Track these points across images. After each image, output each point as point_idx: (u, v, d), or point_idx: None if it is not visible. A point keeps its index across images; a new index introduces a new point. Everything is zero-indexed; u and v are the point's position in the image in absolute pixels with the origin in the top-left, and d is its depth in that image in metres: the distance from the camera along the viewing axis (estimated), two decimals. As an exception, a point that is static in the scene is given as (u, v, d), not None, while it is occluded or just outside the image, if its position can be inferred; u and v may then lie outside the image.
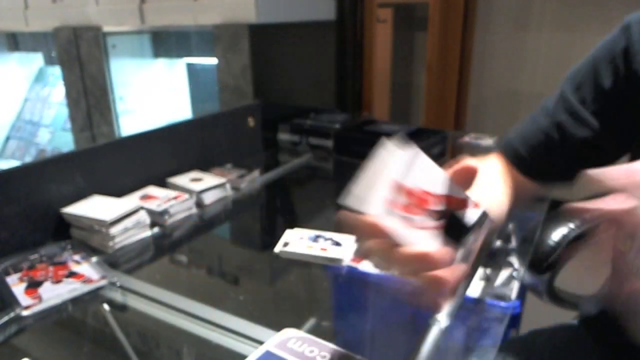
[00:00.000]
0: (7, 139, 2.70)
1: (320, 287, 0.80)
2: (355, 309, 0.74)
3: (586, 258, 0.38)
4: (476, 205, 0.38)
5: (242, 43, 1.37)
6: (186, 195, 0.96)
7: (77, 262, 0.77)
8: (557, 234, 0.83)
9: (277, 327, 0.57)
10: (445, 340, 0.53)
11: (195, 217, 0.98)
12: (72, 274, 0.73)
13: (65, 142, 2.41)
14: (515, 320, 0.92)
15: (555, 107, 0.64)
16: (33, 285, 0.70)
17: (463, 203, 0.38)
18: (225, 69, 1.45)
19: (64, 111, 2.35)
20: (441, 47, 1.73)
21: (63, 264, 0.76)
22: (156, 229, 0.91)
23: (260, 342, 0.57)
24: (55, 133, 2.50)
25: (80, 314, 0.69)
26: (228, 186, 1.06)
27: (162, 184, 1.04)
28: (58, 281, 0.71)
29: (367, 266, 0.77)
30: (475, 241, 0.39)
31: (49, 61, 2.55)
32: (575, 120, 0.62)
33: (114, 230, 0.82)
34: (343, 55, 1.73)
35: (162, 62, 2.02)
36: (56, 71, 2.43)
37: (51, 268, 0.75)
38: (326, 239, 0.82)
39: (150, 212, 0.90)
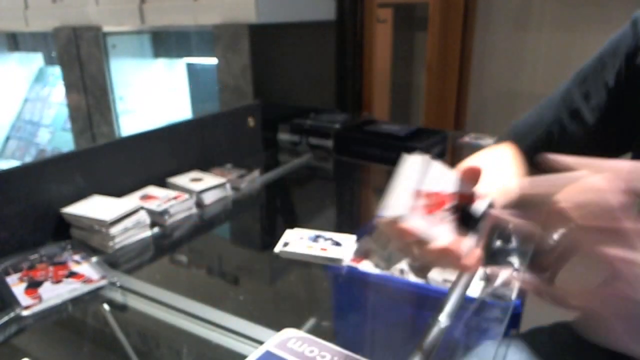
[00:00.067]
0: (7, 139, 2.70)
1: (320, 287, 0.80)
2: (355, 309, 0.74)
3: (586, 257, 0.39)
4: (483, 196, 0.44)
5: (242, 43, 1.37)
6: (186, 195, 0.96)
7: (77, 262, 0.77)
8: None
9: (277, 327, 0.57)
10: (445, 340, 0.53)
11: (195, 217, 0.98)
12: (72, 274, 0.73)
13: (65, 142, 2.41)
14: (515, 320, 0.92)
15: (560, 100, 0.64)
16: (33, 285, 0.70)
17: (471, 197, 0.44)
18: (225, 69, 1.45)
19: (64, 111, 2.35)
20: (441, 47, 1.73)
21: (63, 264, 0.76)
22: (156, 229, 0.91)
23: (260, 342, 0.57)
24: (55, 133, 2.50)
25: (80, 314, 0.69)
26: (228, 186, 1.06)
27: (162, 184, 1.04)
28: (58, 281, 0.71)
29: (367, 266, 0.77)
30: (485, 226, 0.45)
31: (49, 61, 2.55)
32: (573, 117, 0.62)
33: (114, 230, 0.82)
34: (343, 55, 1.73)
35: (162, 62, 2.02)
36: (56, 71, 2.43)
37: (51, 268, 0.75)
38: (326, 239, 0.82)
39: (150, 212, 0.90)
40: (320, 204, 1.13)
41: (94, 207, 0.86)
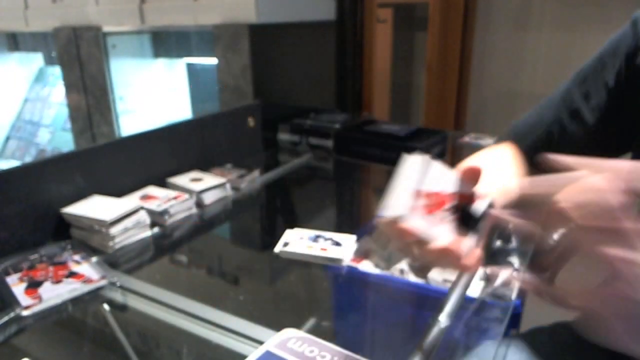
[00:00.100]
0: (7, 139, 2.70)
1: (320, 287, 0.80)
2: (355, 309, 0.74)
3: (586, 257, 0.40)
4: (483, 196, 0.45)
5: (242, 43, 1.37)
6: (186, 195, 0.96)
7: (77, 262, 0.77)
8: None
9: (277, 327, 0.57)
10: (445, 340, 0.53)
11: (195, 217, 0.98)
12: (72, 274, 0.73)
13: (65, 142, 2.41)
14: (515, 320, 0.92)
15: (560, 100, 0.65)
16: (33, 285, 0.70)
17: (471, 197, 0.44)
18: (225, 69, 1.45)
19: (64, 111, 2.35)
20: (441, 47, 1.73)
21: (63, 264, 0.76)
22: (156, 229, 0.91)
23: (260, 342, 0.57)
24: (55, 133, 2.50)
25: (80, 314, 0.69)
26: (228, 186, 1.06)
27: (162, 184, 1.04)
28: (58, 281, 0.71)
29: (367, 266, 0.77)
30: (485, 226, 0.45)
31: (49, 61, 2.55)
32: (573, 117, 0.62)
33: (114, 230, 0.82)
34: (343, 55, 1.73)
35: (162, 62, 2.02)
36: (56, 71, 2.43)
37: (51, 268, 0.75)
38: (326, 239, 0.82)
39: (150, 212, 0.90)
40: (320, 204, 1.13)
41: (94, 207, 0.86)
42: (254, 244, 1.01)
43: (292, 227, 0.87)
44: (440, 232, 0.43)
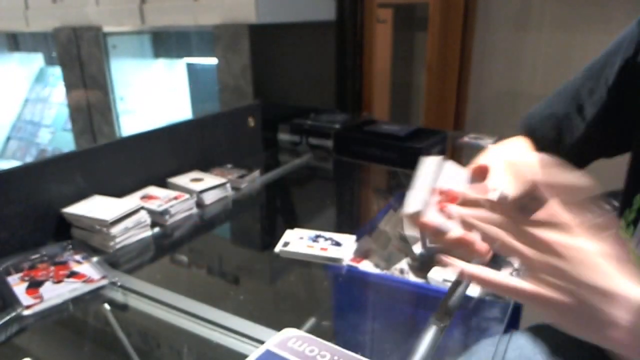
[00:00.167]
0: (8, 139, 2.70)
1: (320, 287, 0.81)
2: (355, 309, 0.74)
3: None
4: (494, 189, 0.49)
5: (242, 43, 1.38)
6: (186, 195, 0.97)
7: (78, 262, 0.77)
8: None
9: (277, 326, 0.57)
10: (445, 339, 0.53)
11: (195, 217, 0.98)
12: (73, 274, 0.74)
13: (66, 142, 2.41)
14: (515, 319, 0.92)
15: (571, 94, 0.66)
16: (34, 285, 0.70)
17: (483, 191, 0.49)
18: (225, 69, 1.45)
19: (65, 111, 2.36)
20: (441, 47, 1.73)
21: (64, 264, 0.76)
22: (157, 229, 0.91)
23: (261, 342, 0.58)
24: (56, 133, 2.51)
25: (81, 314, 0.69)
26: (228, 186, 1.07)
27: (163, 184, 1.04)
28: (59, 281, 0.72)
29: (367, 266, 0.77)
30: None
31: (50, 61, 2.56)
32: (579, 112, 0.63)
33: (114, 230, 0.82)
34: (343, 55, 1.73)
35: (163, 62, 2.02)
36: (57, 71, 2.43)
37: (52, 268, 0.75)
38: (326, 239, 0.82)
39: (151, 212, 0.90)
40: (320, 204, 1.13)
41: (95, 207, 0.86)
42: (254, 244, 1.02)
43: (292, 227, 0.87)
44: (454, 224, 0.48)
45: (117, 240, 0.83)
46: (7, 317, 0.64)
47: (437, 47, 1.73)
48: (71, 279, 0.72)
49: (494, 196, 0.48)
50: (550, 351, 0.66)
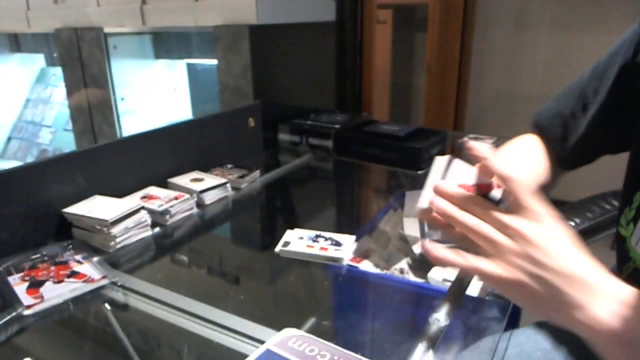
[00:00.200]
0: (9, 139, 2.71)
1: (320, 287, 0.81)
2: (355, 309, 0.74)
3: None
4: (499, 186, 0.51)
5: (243, 44, 1.38)
6: (187, 195, 0.97)
7: (79, 262, 0.77)
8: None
9: (278, 326, 0.58)
10: (445, 339, 0.53)
11: (195, 217, 0.98)
12: (73, 274, 0.74)
13: (67, 143, 2.41)
14: (514, 319, 0.92)
15: (578, 92, 0.66)
16: (35, 285, 0.71)
17: (490, 186, 0.51)
18: (225, 70, 1.45)
19: (66, 112, 2.36)
20: (441, 48, 1.73)
21: (64, 264, 0.77)
22: (157, 229, 0.91)
23: (261, 342, 0.58)
24: (56, 133, 2.51)
25: (81, 314, 0.69)
26: (228, 186, 1.07)
27: (163, 184, 1.04)
28: (59, 281, 0.72)
29: (367, 266, 0.77)
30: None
31: (51, 62, 2.56)
32: (584, 111, 0.63)
33: (115, 230, 0.83)
34: (343, 55, 1.73)
35: (163, 63, 2.02)
36: (57, 72, 2.44)
37: (53, 268, 0.75)
38: (326, 239, 0.83)
39: (151, 212, 0.90)
40: (320, 204, 1.14)
41: (95, 207, 0.86)
42: (255, 244, 1.02)
43: (292, 227, 0.87)
44: None
45: (118, 240, 0.83)
46: (8, 317, 0.65)
47: (437, 47, 1.73)
48: (72, 279, 0.72)
49: (499, 192, 0.50)
50: (551, 348, 0.66)
